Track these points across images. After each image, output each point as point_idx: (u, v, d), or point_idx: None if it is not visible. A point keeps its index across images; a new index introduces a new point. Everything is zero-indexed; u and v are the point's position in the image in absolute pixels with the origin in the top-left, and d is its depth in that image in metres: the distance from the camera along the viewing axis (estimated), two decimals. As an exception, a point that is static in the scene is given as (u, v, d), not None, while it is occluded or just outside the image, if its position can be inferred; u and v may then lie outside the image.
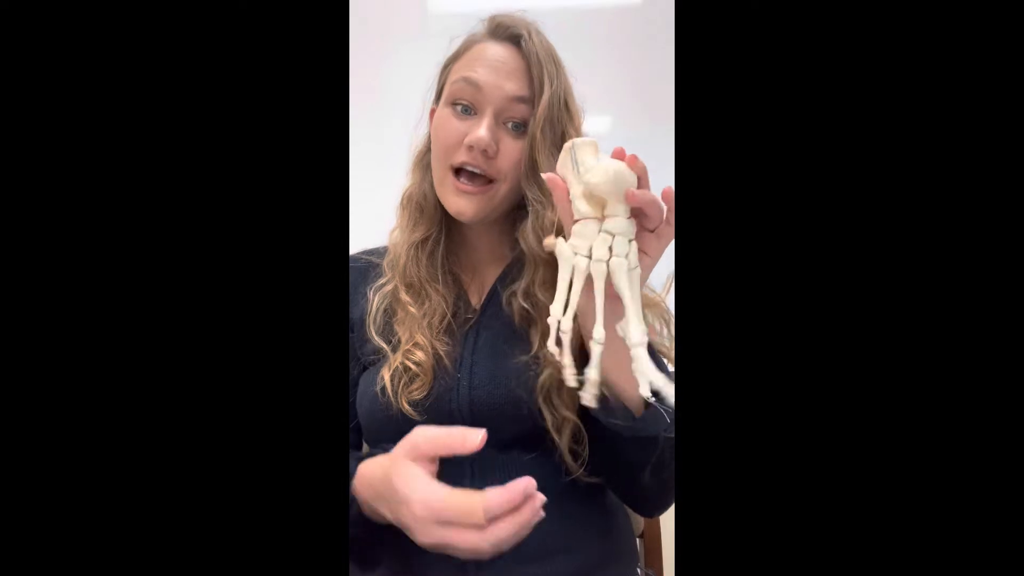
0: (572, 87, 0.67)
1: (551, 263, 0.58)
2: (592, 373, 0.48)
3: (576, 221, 0.49)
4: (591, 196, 0.48)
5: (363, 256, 0.77)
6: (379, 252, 0.76)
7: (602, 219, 0.48)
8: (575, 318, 0.49)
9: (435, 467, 0.50)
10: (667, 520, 0.71)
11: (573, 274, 0.49)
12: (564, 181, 0.50)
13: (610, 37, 0.76)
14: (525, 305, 0.64)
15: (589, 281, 0.48)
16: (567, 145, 0.50)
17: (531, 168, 0.63)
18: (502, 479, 0.45)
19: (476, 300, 0.70)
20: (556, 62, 0.66)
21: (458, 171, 0.64)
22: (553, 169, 0.54)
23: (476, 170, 0.63)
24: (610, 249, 0.48)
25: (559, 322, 0.49)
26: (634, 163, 0.47)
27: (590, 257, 0.48)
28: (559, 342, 0.49)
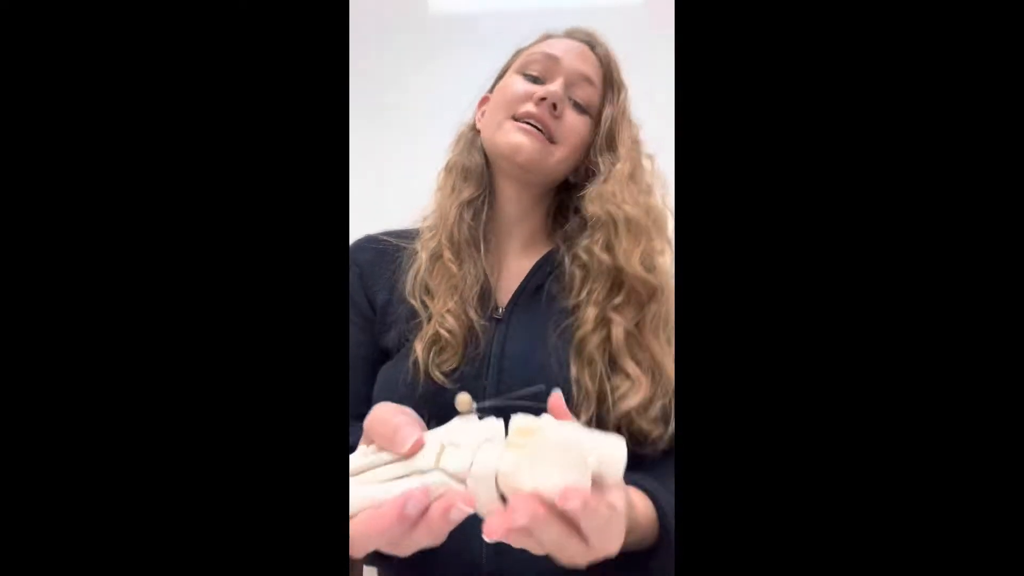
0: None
1: (611, 225, 0.64)
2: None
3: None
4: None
5: (386, 238, 0.74)
6: (403, 234, 0.73)
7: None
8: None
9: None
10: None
11: None
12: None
13: (610, 37, 0.76)
14: (584, 257, 0.65)
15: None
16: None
17: (607, 137, 0.70)
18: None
19: (503, 300, 0.68)
20: (620, 73, 0.74)
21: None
22: (631, 135, 0.70)
23: (539, 126, 0.67)
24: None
25: None
26: (566, 503, 0.34)
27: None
28: None
